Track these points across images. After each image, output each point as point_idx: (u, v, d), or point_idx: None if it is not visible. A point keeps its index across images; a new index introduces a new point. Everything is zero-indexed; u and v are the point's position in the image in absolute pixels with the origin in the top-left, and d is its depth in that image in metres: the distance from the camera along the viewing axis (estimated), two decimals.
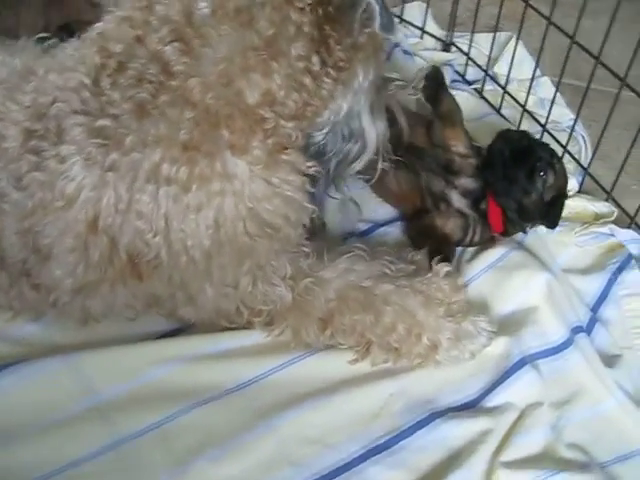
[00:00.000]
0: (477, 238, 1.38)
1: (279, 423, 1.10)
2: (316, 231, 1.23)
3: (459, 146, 1.39)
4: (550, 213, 1.32)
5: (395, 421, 1.13)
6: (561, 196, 1.34)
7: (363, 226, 1.43)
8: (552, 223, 1.33)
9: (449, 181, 1.37)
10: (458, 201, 1.37)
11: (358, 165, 1.18)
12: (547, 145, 1.36)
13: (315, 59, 0.97)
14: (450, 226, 1.36)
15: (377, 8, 0.98)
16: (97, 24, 1.02)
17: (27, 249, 1.04)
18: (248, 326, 1.18)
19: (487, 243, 1.38)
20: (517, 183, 1.30)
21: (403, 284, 1.20)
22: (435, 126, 1.40)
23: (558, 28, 1.44)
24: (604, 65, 1.36)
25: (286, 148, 1.01)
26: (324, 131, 1.08)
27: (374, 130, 1.14)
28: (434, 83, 1.36)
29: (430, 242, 1.33)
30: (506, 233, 1.37)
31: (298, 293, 1.14)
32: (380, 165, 1.20)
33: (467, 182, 1.37)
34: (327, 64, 0.98)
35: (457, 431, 1.13)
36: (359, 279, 1.19)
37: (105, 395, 1.11)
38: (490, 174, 1.33)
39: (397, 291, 1.19)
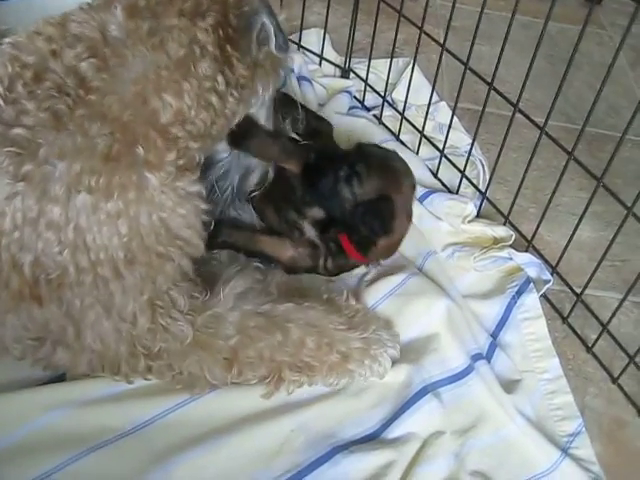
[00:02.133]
0: (331, 266, 1.35)
1: (175, 466, 1.06)
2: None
3: None
4: (369, 219, 1.24)
5: (296, 458, 1.11)
6: (382, 198, 1.25)
7: None
8: (375, 230, 1.25)
9: (301, 211, 1.35)
10: (309, 231, 1.35)
11: (255, 178, 1.27)
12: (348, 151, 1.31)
13: (220, 79, 1.02)
14: (299, 253, 1.35)
15: (272, 28, 1.05)
16: (8, 38, 1.01)
17: None
18: (143, 375, 1.13)
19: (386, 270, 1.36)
20: (323, 200, 1.28)
21: (299, 302, 1.20)
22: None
23: (452, 54, 1.44)
24: (497, 91, 1.37)
25: (190, 170, 1.05)
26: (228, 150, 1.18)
27: None
28: (239, 131, 1.18)
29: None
30: (372, 259, 1.35)
31: (197, 328, 1.11)
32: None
33: (316, 212, 1.34)
34: (231, 83, 1.04)
35: (359, 465, 1.10)
36: (255, 306, 1.17)
37: None
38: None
39: (296, 308, 1.19)
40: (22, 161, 0.92)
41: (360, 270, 1.38)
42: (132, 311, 1.04)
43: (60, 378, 1.14)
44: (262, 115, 1.21)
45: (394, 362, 1.22)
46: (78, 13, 1.00)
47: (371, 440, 1.15)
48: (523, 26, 2.07)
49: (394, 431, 1.16)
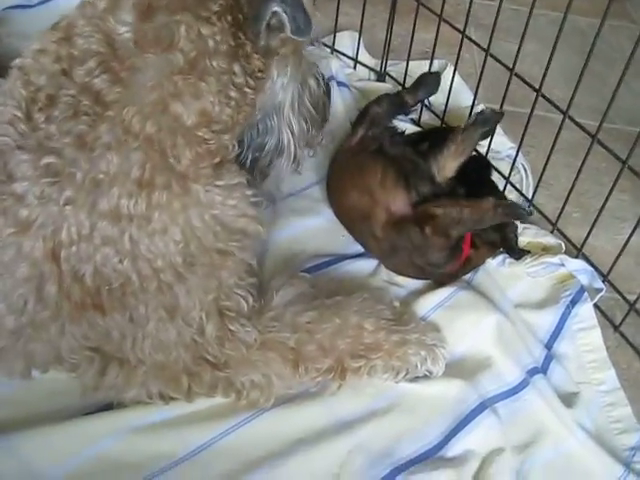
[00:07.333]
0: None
1: None
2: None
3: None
4: None
5: None
6: None
7: (327, 258, 1.37)
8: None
9: None
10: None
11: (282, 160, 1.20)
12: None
13: (237, 69, 0.98)
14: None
15: (284, 16, 0.97)
16: (15, 60, 0.98)
17: None
18: (207, 392, 1.11)
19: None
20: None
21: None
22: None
23: (497, 60, 1.41)
24: (545, 97, 1.34)
25: (228, 162, 1.05)
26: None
27: (288, 128, 1.16)
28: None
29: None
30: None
31: (260, 331, 1.11)
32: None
33: None
34: (247, 72, 1.00)
35: None
36: (306, 305, 1.17)
37: (47, 477, 1.03)
38: None
39: (346, 299, 1.20)
40: (62, 187, 0.91)
41: (411, 283, 1.36)
42: (198, 315, 1.03)
43: (109, 407, 1.12)
44: (287, 100, 1.14)
45: (446, 373, 1.20)
46: (81, 24, 0.95)
47: (430, 457, 1.13)
48: (552, 22, 2.04)
49: (453, 448, 1.14)
